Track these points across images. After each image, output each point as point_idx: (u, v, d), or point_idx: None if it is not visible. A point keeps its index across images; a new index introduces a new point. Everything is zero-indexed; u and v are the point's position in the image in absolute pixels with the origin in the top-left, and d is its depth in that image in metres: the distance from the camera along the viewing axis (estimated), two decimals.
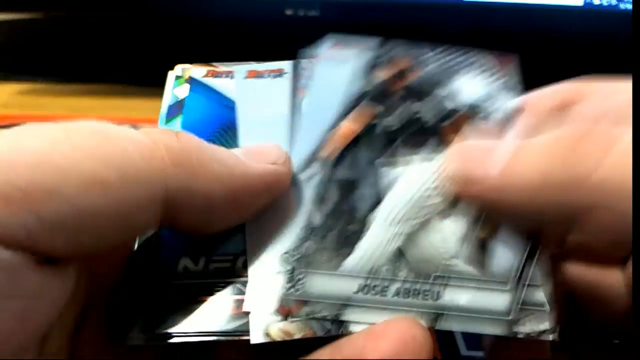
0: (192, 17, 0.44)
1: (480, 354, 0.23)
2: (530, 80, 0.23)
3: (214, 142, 0.19)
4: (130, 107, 0.42)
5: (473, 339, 0.24)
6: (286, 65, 0.23)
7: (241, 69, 0.23)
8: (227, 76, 0.23)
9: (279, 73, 0.23)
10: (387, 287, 0.16)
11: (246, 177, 0.16)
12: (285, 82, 0.22)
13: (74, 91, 0.45)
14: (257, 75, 0.23)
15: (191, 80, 0.23)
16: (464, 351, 0.23)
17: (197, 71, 0.23)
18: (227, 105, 0.22)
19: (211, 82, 0.23)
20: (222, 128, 0.21)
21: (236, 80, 0.23)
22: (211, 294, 0.16)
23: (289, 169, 0.18)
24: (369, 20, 0.41)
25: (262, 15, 0.41)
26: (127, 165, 0.13)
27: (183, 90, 0.22)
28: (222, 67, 0.23)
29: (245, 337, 0.15)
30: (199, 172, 0.15)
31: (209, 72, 0.23)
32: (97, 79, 0.46)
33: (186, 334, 0.15)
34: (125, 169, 0.13)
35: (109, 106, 0.43)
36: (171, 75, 0.23)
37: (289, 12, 0.39)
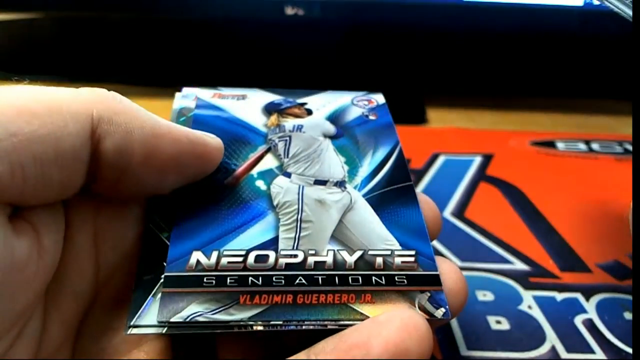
0: (192, 17, 0.44)
1: (480, 354, 0.23)
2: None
3: (225, 154, 0.20)
4: None
5: (473, 339, 0.24)
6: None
7: (208, 92, 0.25)
8: (232, 98, 0.24)
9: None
10: None
11: (171, 130, 0.17)
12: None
13: None
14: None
15: (199, 101, 0.24)
16: (463, 351, 0.23)
17: (205, 93, 0.25)
18: (234, 122, 0.23)
19: (218, 102, 0.24)
20: (231, 141, 0.22)
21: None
22: (223, 285, 0.16)
23: (220, 144, 0.19)
24: (369, 20, 0.41)
25: (262, 15, 0.40)
26: (53, 99, 0.15)
27: (189, 110, 0.23)
28: (227, 91, 0.25)
29: (258, 328, 0.15)
30: (120, 109, 0.16)
31: (215, 94, 0.24)
32: (97, 79, 0.46)
33: (198, 324, 0.15)
34: (51, 102, 0.15)
35: None
36: (178, 96, 0.24)
37: (289, 12, 0.39)
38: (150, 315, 0.16)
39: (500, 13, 0.39)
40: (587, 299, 0.26)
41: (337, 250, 0.18)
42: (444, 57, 0.48)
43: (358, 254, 0.17)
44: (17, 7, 0.42)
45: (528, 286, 0.27)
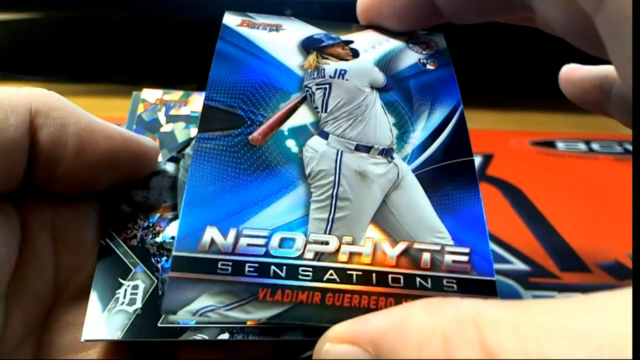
0: (192, 16, 0.44)
1: None
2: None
3: (251, 100, 0.17)
4: None
5: None
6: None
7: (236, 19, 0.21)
8: (264, 28, 0.20)
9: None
10: None
11: (105, 127, 0.17)
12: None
13: (75, 91, 0.45)
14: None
15: (224, 28, 0.20)
16: None
17: (232, 19, 0.21)
18: (263, 59, 0.19)
19: (246, 32, 0.20)
20: (259, 84, 0.18)
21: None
22: (241, 274, 0.14)
23: (155, 146, 0.19)
24: None
25: None
26: None
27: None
28: (259, 19, 0.21)
29: (260, 334, 0.14)
30: (57, 105, 0.17)
31: (244, 21, 0.21)
32: (98, 79, 0.46)
33: (213, 323, 0.14)
34: None
35: (110, 106, 0.43)
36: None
37: (289, 12, 0.39)
38: (108, 327, 0.15)
39: None
40: None
41: (377, 240, 0.15)
42: None
43: (402, 246, 0.15)
44: (17, 7, 0.42)
45: (528, 286, 0.27)
